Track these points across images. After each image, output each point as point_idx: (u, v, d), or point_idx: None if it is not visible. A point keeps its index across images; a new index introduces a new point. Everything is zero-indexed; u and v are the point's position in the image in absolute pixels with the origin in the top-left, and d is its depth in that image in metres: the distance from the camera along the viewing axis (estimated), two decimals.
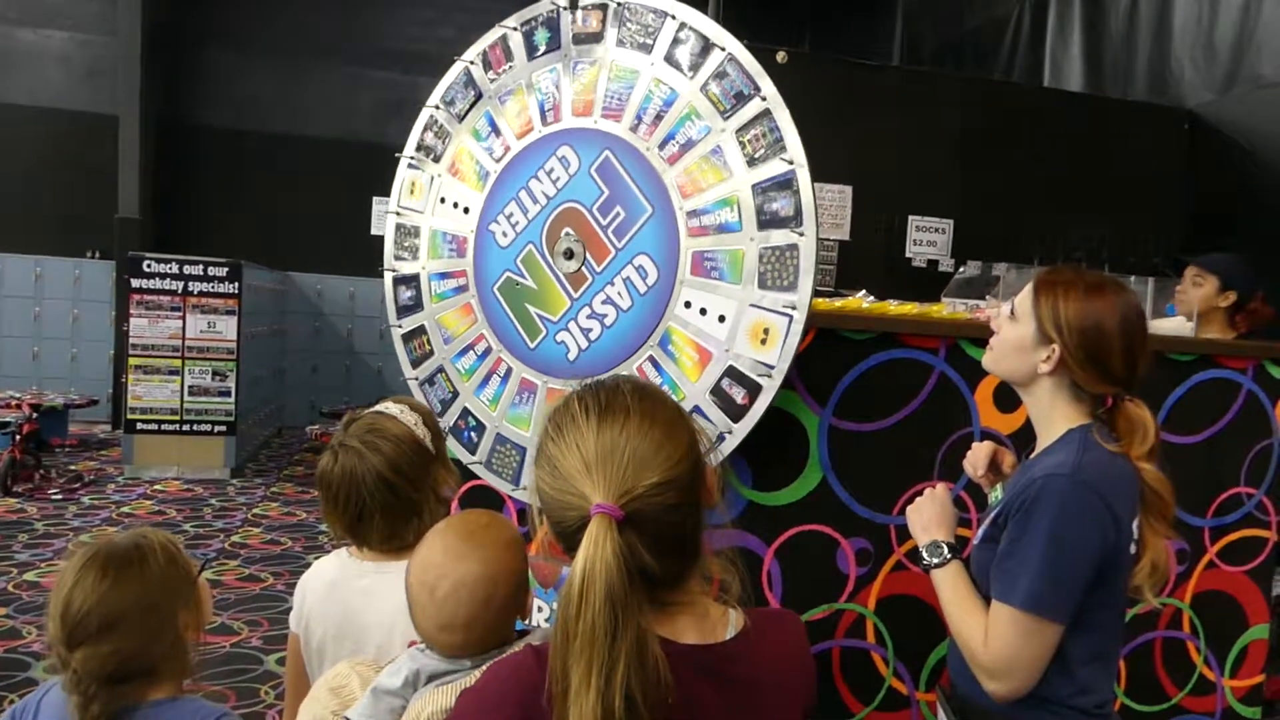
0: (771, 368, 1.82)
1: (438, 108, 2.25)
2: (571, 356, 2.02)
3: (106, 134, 9.23)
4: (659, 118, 1.94)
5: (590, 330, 2.00)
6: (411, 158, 2.29)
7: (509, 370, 2.12)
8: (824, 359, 1.98)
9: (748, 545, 1.99)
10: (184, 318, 7.43)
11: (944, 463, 2.12)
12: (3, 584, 4.81)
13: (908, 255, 5.46)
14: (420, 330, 2.28)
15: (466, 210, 2.19)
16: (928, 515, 1.62)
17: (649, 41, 1.96)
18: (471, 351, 2.17)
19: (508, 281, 2.12)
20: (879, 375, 2.04)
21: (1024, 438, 2.17)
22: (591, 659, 0.89)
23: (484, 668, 1.08)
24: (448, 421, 2.25)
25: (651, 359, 1.94)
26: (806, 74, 4.19)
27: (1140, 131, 4.92)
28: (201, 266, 7.46)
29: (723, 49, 1.86)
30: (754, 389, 1.83)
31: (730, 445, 1.84)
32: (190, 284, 7.42)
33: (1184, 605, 2.40)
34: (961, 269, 3.83)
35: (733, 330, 1.86)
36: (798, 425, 1.99)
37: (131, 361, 7.39)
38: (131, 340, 7.39)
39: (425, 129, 2.28)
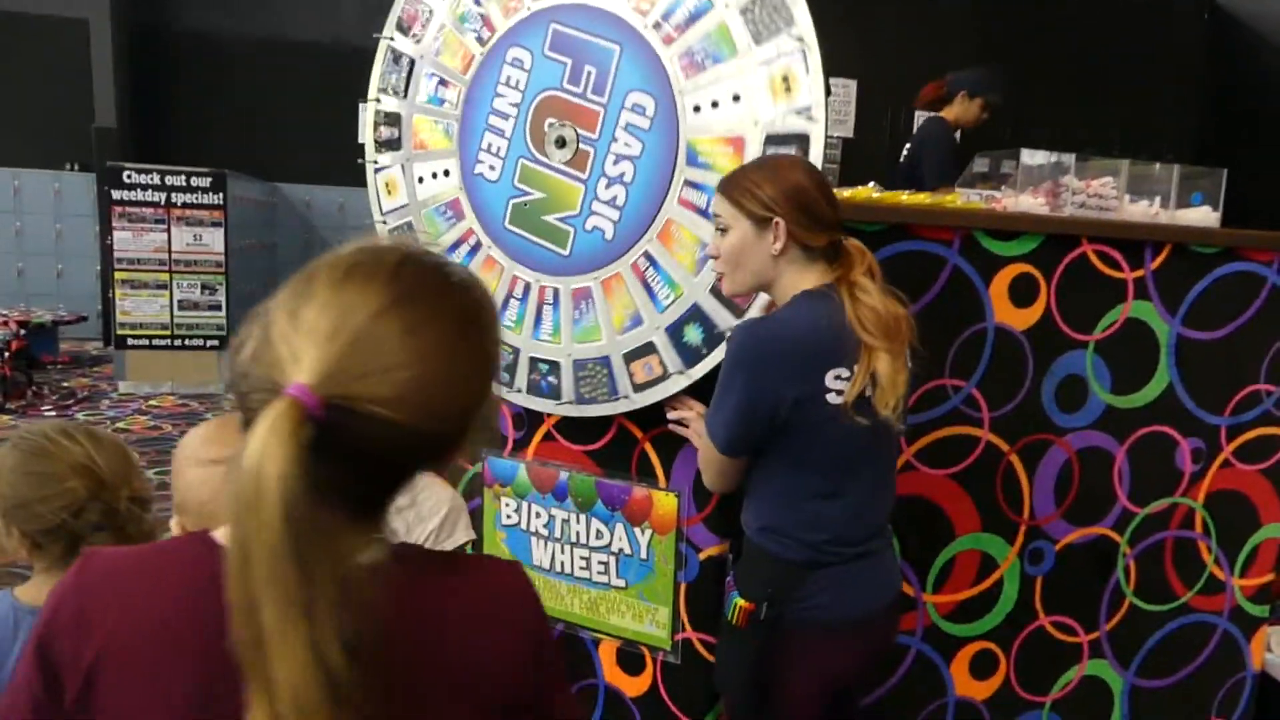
0: (809, 109, 1.72)
1: (378, 100, 2.22)
2: (609, 236, 1.91)
3: (78, 39, 8.87)
4: None
5: (615, 198, 1.89)
6: (374, 161, 2.23)
7: (556, 293, 1.99)
8: None
9: None
10: (169, 230, 7.24)
11: (956, 360, 2.03)
12: None
13: None
14: None
15: (447, 173, 2.12)
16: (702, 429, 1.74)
17: None
18: (513, 300, 2.04)
19: (515, 209, 2.01)
20: (890, 268, 1.90)
21: (1039, 334, 2.09)
22: (287, 593, 0.65)
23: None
24: (514, 366, 2.10)
25: (688, 183, 1.83)
26: None
27: (1159, 21, 4.71)
28: (184, 177, 7.24)
29: None
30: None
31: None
32: (173, 195, 7.21)
33: (1197, 504, 2.34)
34: (975, 160, 3.69)
35: (750, 98, 1.76)
36: None
37: (117, 276, 7.24)
38: (116, 254, 7.22)
39: (376, 127, 2.24)
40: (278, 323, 0.72)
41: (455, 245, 2.11)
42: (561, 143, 1.96)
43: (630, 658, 2.08)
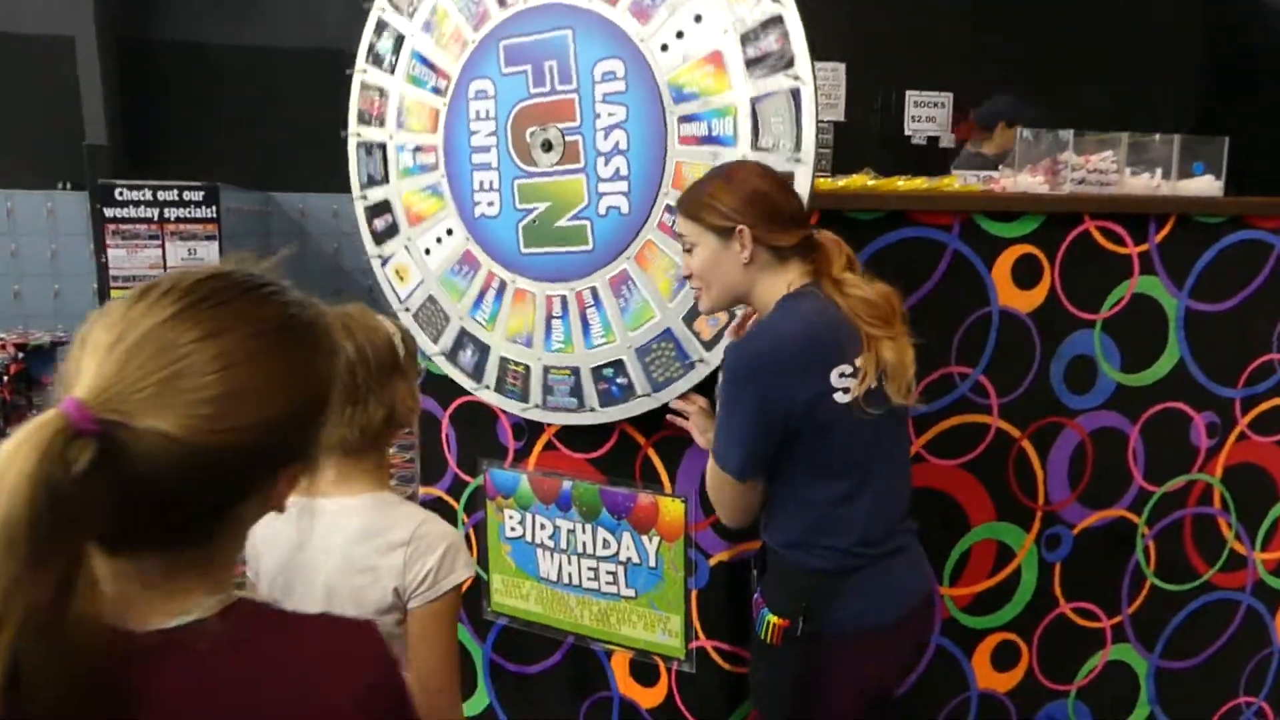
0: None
1: (364, 196, 2.19)
2: (626, 209, 1.86)
3: (64, 57, 8.82)
4: None
5: (618, 170, 1.85)
6: (379, 257, 2.19)
7: (594, 292, 1.92)
8: None
9: None
10: (163, 245, 7.23)
11: (960, 348, 1.99)
12: None
13: (906, 133, 5.23)
14: (505, 361, 2.05)
15: (450, 231, 2.07)
16: (703, 424, 1.73)
17: None
18: (555, 321, 1.97)
19: (525, 231, 1.96)
20: (889, 257, 1.89)
21: (1045, 315, 2.05)
22: None
23: None
24: (579, 388, 2.01)
25: (682, 119, 1.78)
26: None
27: None
28: (176, 191, 7.22)
29: None
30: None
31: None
32: (166, 210, 7.20)
33: (1215, 480, 2.30)
34: (970, 141, 3.64)
35: (711, 13, 1.72)
36: None
37: (115, 294, 7.21)
38: (112, 272, 7.21)
39: (369, 222, 2.20)
40: (74, 345, 0.68)
41: (480, 296, 2.04)
42: (548, 146, 1.91)
43: (644, 668, 2.04)
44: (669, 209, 1.79)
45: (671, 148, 1.79)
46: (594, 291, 1.92)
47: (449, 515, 2.23)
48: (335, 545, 1.29)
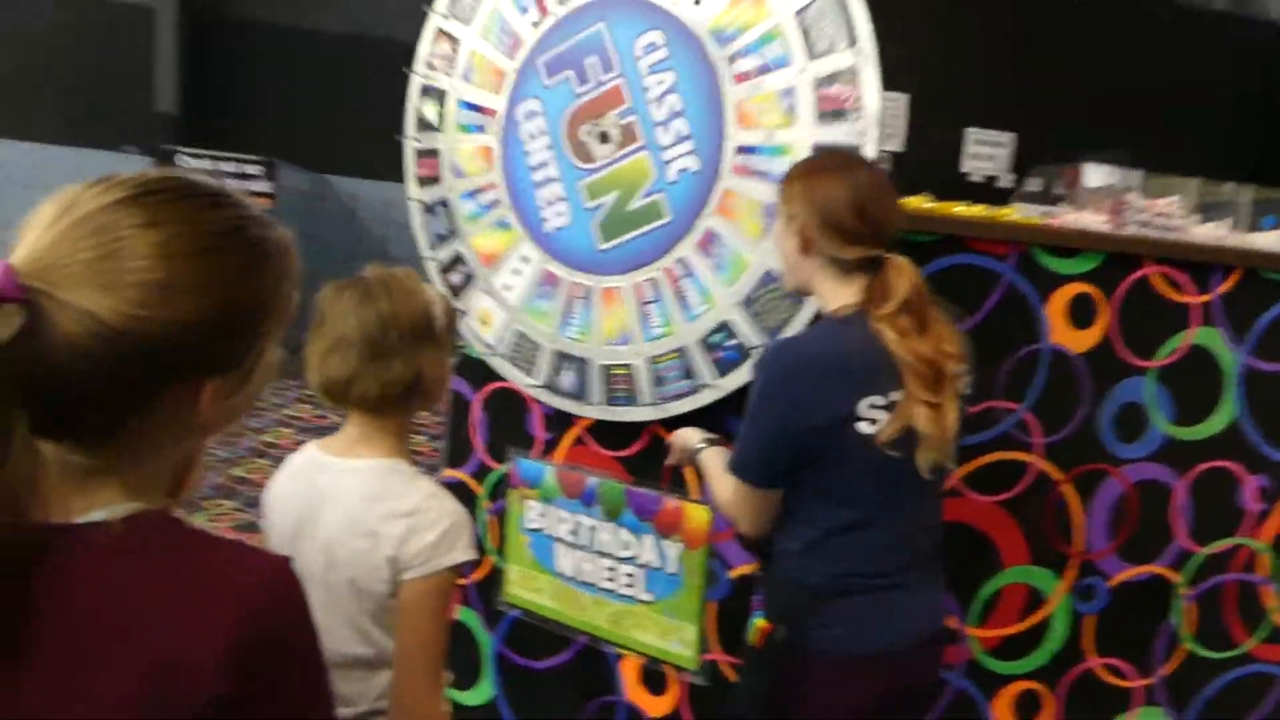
0: None
1: (434, 258, 2.21)
2: (697, 166, 1.83)
3: (143, 26, 9.04)
4: None
5: (680, 132, 1.84)
6: (461, 311, 2.18)
7: (685, 262, 1.87)
8: None
9: None
10: None
11: (1008, 381, 1.93)
12: None
13: (963, 170, 5.17)
14: (607, 370, 2.00)
15: (526, 259, 2.06)
16: (681, 440, 1.70)
17: None
18: (651, 308, 1.92)
19: (601, 226, 1.95)
20: (941, 282, 1.82)
21: (1097, 357, 1.98)
22: None
23: None
24: (689, 367, 1.95)
25: (730, 58, 1.78)
26: None
27: (1221, 43, 4.55)
28: (235, 164, 7.34)
29: None
30: None
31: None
32: (225, 181, 7.32)
33: (1262, 547, 2.21)
34: (1028, 180, 3.58)
35: None
36: None
37: None
38: None
39: (444, 277, 2.19)
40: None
41: (568, 311, 2.01)
42: (605, 138, 1.91)
43: (654, 676, 2.00)
44: (740, 150, 1.78)
45: (728, 91, 1.78)
46: (683, 262, 1.88)
47: (470, 500, 2.21)
48: (343, 505, 1.28)
